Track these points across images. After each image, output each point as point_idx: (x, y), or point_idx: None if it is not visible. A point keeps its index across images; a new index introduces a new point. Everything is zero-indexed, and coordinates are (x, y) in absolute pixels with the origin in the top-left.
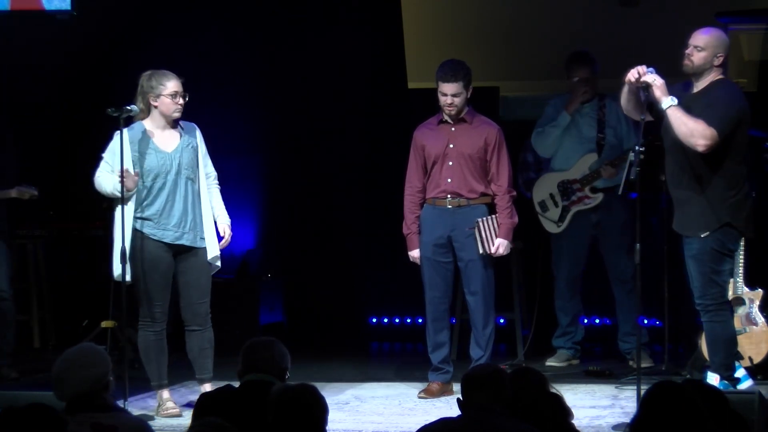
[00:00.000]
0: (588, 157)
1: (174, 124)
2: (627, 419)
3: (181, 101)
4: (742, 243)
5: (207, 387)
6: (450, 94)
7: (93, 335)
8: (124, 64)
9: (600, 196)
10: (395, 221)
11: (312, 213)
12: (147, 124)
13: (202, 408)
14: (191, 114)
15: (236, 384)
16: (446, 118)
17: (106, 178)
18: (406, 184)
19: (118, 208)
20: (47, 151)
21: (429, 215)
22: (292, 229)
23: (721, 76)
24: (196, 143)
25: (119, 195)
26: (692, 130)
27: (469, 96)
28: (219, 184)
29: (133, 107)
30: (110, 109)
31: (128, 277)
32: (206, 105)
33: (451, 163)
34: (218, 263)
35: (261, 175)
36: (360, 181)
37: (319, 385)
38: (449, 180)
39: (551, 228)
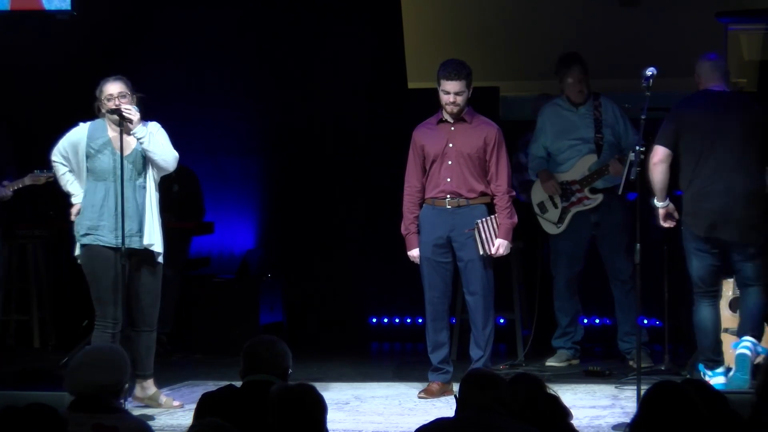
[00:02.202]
0: (587, 158)
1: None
2: (627, 419)
3: (118, 102)
4: None
5: (151, 383)
6: (453, 92)
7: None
8: (124, 64)
9: (600, 197)
10: (395, 221)
11: (312, 213)
12: (108, 125)
13: (203, 408)
14: (192, 114)
15: (238, 384)
16: (446, 117)
17: (69, 185)
18: (405, 184)
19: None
20: (47, 151)
21: (428, 215)
22: (292, 229)
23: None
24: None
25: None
26: (649, 168)
27: (469, 96)
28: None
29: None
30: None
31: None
32: (206, 105)
33: (450, 162)
34: (158, 250)
35: (261, 175)
36: (360, 181)
37: (319, 385)
38: (448, 180)
39: (550, 229)
